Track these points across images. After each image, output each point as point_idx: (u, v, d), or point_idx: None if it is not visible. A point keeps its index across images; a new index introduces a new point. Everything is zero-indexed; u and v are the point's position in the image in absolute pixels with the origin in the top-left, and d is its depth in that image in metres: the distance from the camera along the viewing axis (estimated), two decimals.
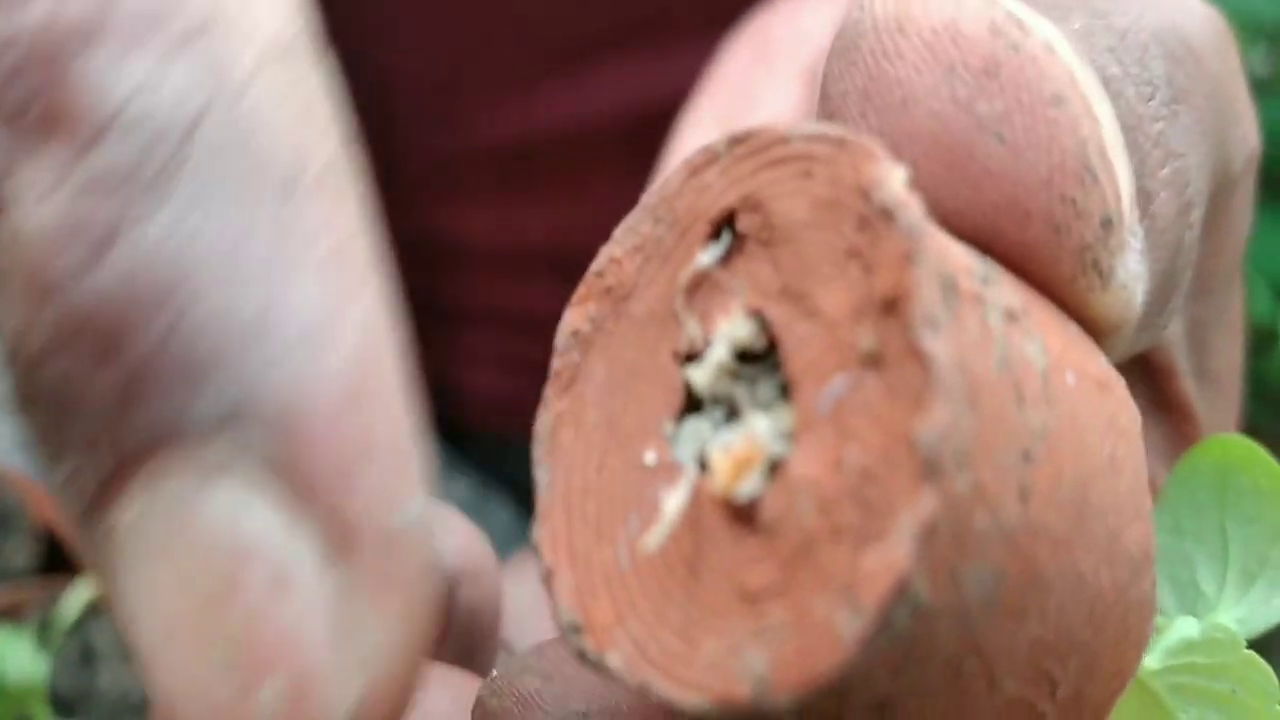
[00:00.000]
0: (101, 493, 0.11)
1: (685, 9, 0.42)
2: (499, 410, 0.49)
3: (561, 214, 0.44)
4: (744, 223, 0.13)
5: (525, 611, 0.22)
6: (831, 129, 0.13)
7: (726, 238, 0.13)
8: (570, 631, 0.13)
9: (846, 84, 0.14)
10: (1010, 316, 0.13)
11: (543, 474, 0.14)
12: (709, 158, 0.13)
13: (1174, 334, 0.19)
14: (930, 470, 0.11)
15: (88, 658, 0.46)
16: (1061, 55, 0.13)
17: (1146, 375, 0.20)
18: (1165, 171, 0.15)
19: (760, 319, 0.13)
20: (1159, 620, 0.16)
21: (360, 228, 0.12)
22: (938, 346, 0.11)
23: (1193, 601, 0.18)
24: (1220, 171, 0.18)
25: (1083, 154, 0.13)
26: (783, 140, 0.13)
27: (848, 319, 0.12)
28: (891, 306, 0.12)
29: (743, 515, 0.12)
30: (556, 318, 0.14)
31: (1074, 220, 0.13)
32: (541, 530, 0.13)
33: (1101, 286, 0.14)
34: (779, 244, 0.13)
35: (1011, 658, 0.13)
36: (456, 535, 0.20)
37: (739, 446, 0.12)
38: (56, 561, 0.49)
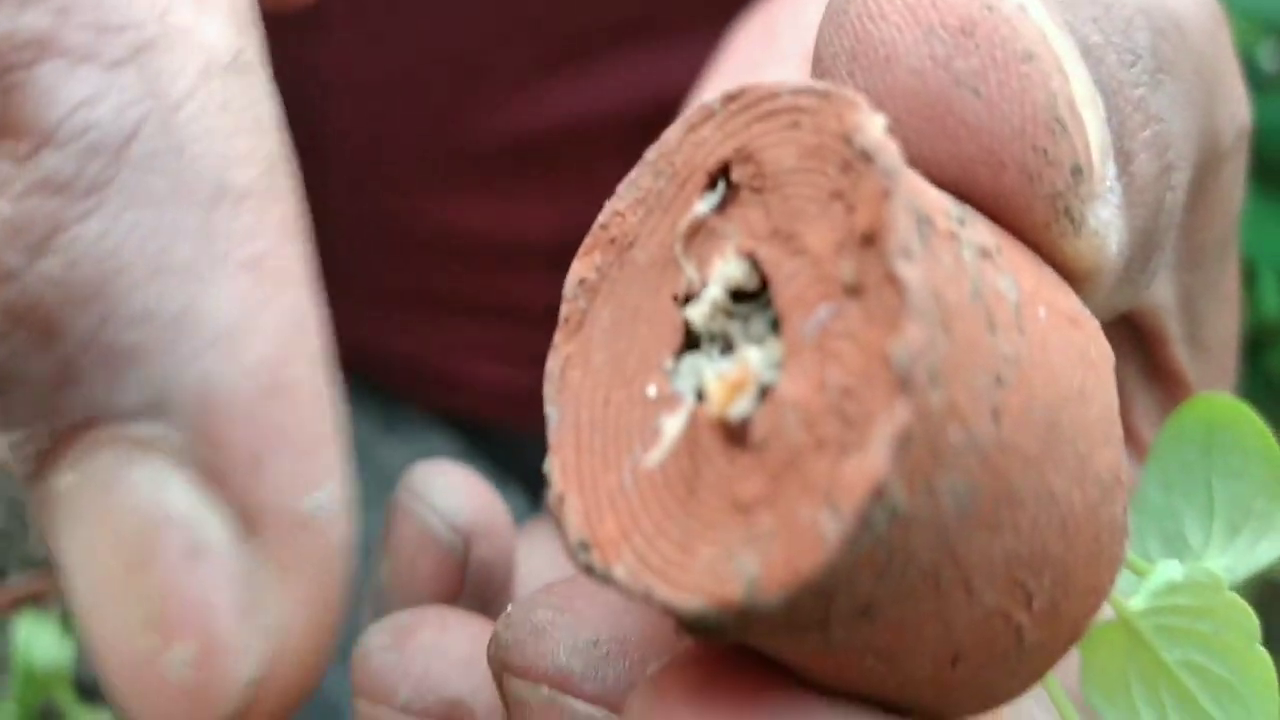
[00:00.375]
0: (41, 461, 0.13)
1: (691, 4, 0.43)
2: (510, 403, 0.49)
3: (569, 208, 0.45)
4: (738, 173, 0.14)
5: (537, 574, 0.23)
6: (818, 83, 0.13)
7: (722, 187, 0.14)
8: (579, 549, 0.14)
9: (836, 46, 0.15)
10: (984, 254, 0.13)
11: (553, 411, 0.14)
12: (705, 114, 0.14)
13: (1165, 302, 0.20)
14: (904, 384, 0.12)
15: None
16: (1033, 15, 0.14)
17: (1140, 341, 0.21)
18: (1146, 134, 0.16)
19: (752, 259, 0.14)
20: (1145, 564, 0.17)
21: (287, 235, 0.13)
22: (911, 273, 0.12)
23: (1180, 552, 0.19)
24: (1208, 144, 0.19)
25: (1053, 106, 0.14)
26: (773, 95, 0.14)
27: (831, 254, 0.13)
28: (870, 239, 0.13)
29: (736, 435, 0.13)
30: None
31: (1045, 168, 0.14)
32: (553, 461, 0.14)
33: (1074, 232, 0.15)
34: (770, 190, 0.14)
35: (987, 568, 0.13)
36: (471, 494, 0.21)
37: (732, 373, 0.13)
38: None
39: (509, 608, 0.16)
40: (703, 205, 0.14)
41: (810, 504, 0.12)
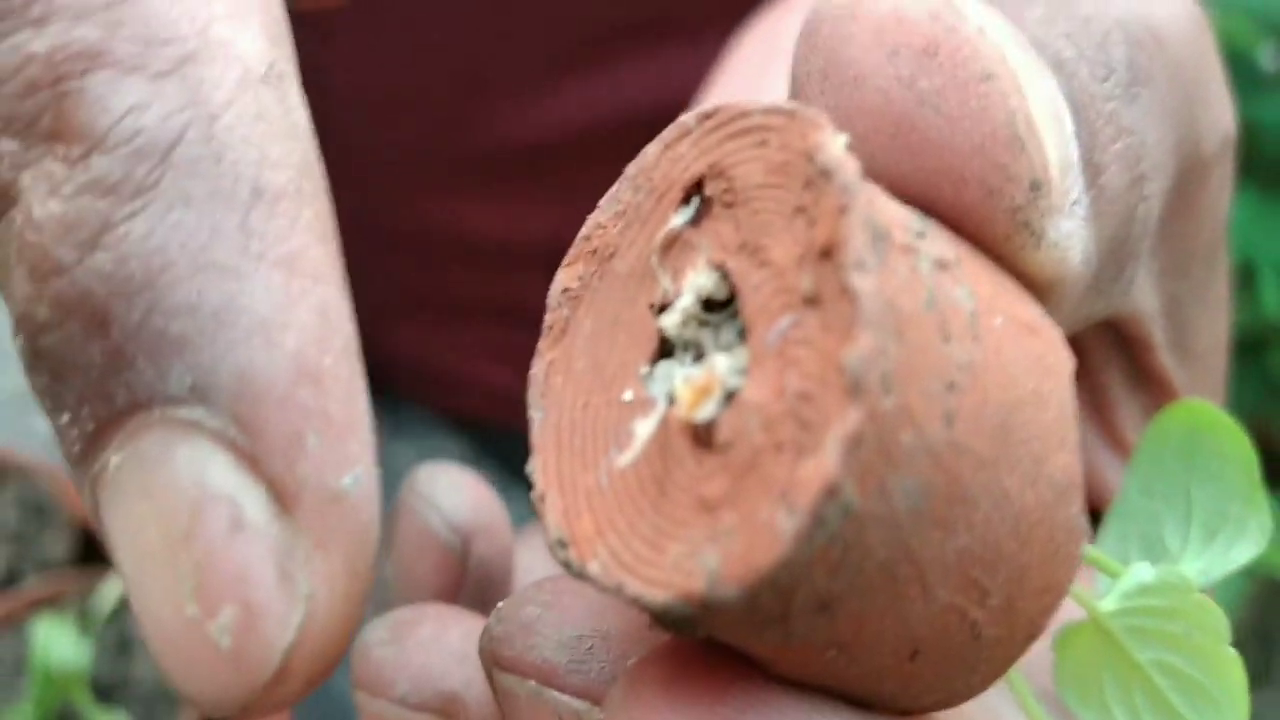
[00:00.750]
0: (90, 443, 0.13)
1: (695, 10, 0.43)
2: (515, 405, 0.50)
3: (574, 212, 0.45)
4: (711, 188, 0.15)
5: (535, 572, 0.23)
6: (785, 103, 0.14)
7: (696, 201, 0.15)
8: (558, 546, 0.14)
9: (809, 65, 0.15)
10: (941, 265, 0.14)
11: (536, 414, 0.15)
12: (681, 132, 0.15)
13: (1149, 308, 0.20)
14: (855, 390, 0.13)
15: (124, 647, 0.47)
16: (993, 37, 0.15)
17: (1124, 348, 0.21)
18: (1117, 146, 0.16)
19: (722, 271, 0.14)
20: (1117, 565, 0.17)
21: (318, 234, 0.14)
22: (864, 285, 0.13)
23: (1159, 556, 0.19)
24: (1189, 153, 0.19)
25: (1011, 124, 0.15)
26: (744, 114, 0.14)
27: (793, 266, 0.14)
28: (828, 253, 0.13)
29: (702, 438, 0.14)
30: None
31: (1004, 183, 0.15)
32: (534, 462, 0.15)
33: (1034, 245, 0.15)
34: (740, 205, 0.14)
35: (942, 565, 0.14)
36: (470, 493, 0.22)
37: (699, 378, 0.14)
38: (92, 553, 0.50)
39: (500, 604, 0.17)
40: (678, 219, 0.15)
41: (768, 503, 0.13)
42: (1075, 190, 0.15)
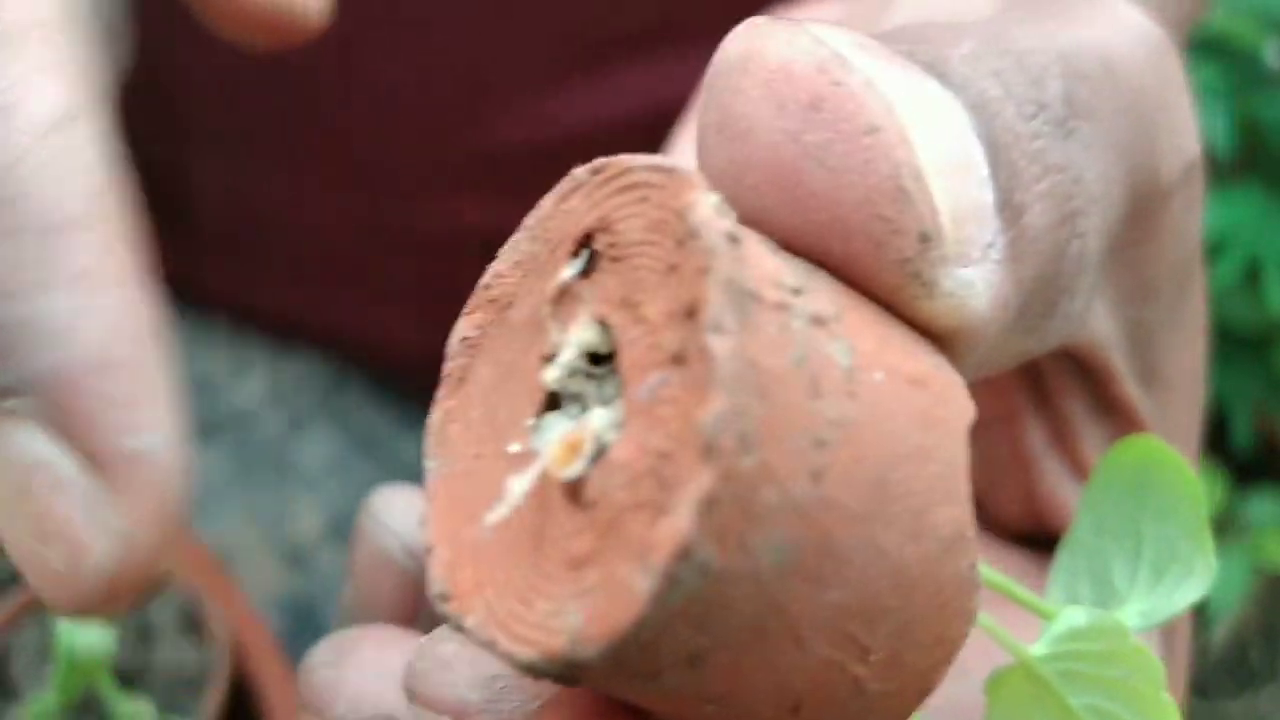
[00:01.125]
0: None
1: (699, 15, 0.43)
2: None
3: None
4: (600, 241, 0.15)
5: None
6: (665, 161, 0.14)
7: (585, 255, 0.15)
8: (440, 600, 0.15)
9: (707, 117, 0.15)
10: (817, 321, 0.14)
11: (430, 464, 0.15)
12: (575, 185, 0.15)
13: (1108, 338, 0.20)
14: (709, 451, 0.13)
15: (145, 635, 0.48)
16: (881, 89, 0.15)
17: (1085, 378, 0.21)
18: (1042, 185, 0.16)
19: (605, 324, 0.14)
20: (1050, 609, 0.17)
21: (110, 249, 0.17)
22: (720, 346, 0.13)
23: (1107, 597, 0.19)
24: (1145, 180, 0.19)
25: (896, 176, 0.14)
26: (629, 170, 0.14)
27: (664, 324, 0.14)
28: (691, 313, 0.13)
29: (574, 494, 0.14)
30: None
31: (891, 235, 0.15)
32: (426, 513, 0.15)
33: (926, 295, 0.15)
34: (623, 259, 0.14)
35: (814, 620, 0.14)
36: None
37: (571, 434, 0.14)
38: None
39: (423, 639, 0.17)
40: (568, 271, 0.15)
41: (628, 562, 0.13)
42: (987, 234, 0.15)
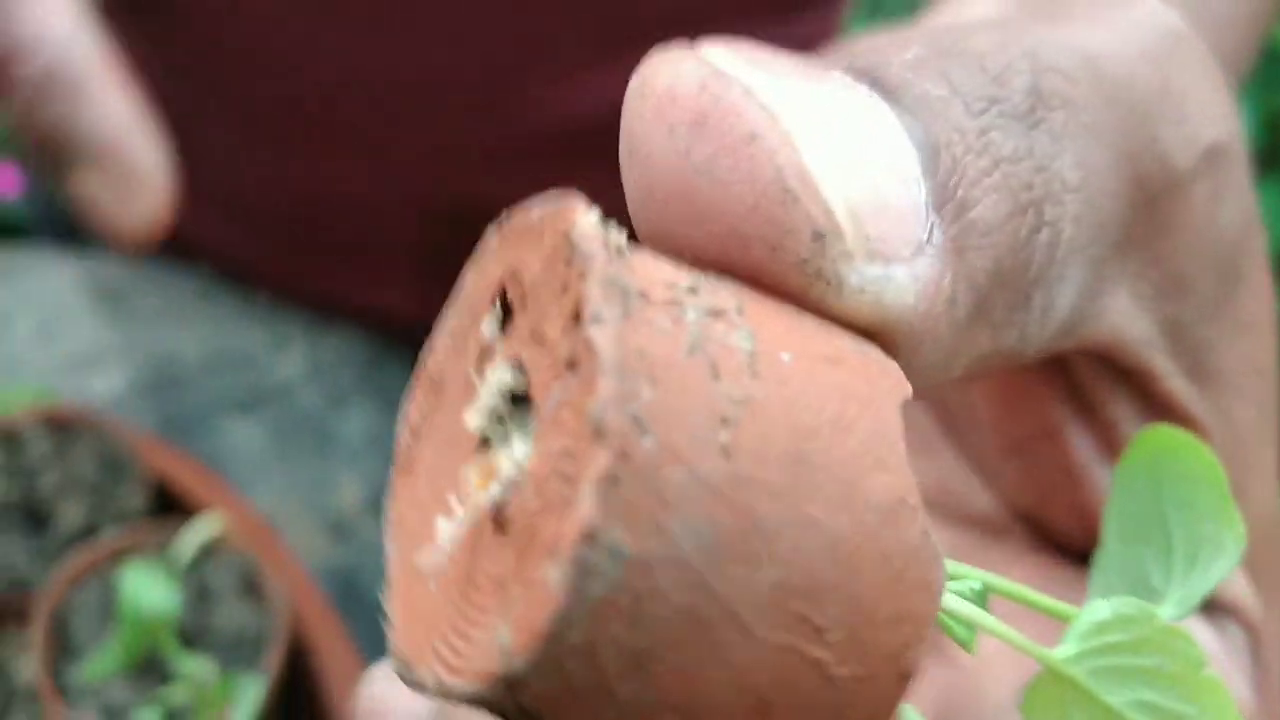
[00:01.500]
0: None
1: (734, 1, 0.44)
2: None
3: (610, 197, 0.47)
4: (511, 292, 0.15)
5: None
6: (554, 198, 0.15)
7: (498, 309, 0.15)
8: (402, 670, 0.14)
9: (621, 145, 0.16)
10: (715, 314, 0.14)
11: (391, 549, 0.16)
12: (485, 247, 0.16)
13: (1140, 336, 0.20)
14: (599, 433, 0.13)
15: (204, 596, 0.49)
16: (762, 96, 0.15)
17: (1128, 382, 0.21)
18: (993, 178, 0.16)
19: (519, 364, 0.15)
20: (1068, 610, 0.17)
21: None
22: (600, 335, 0.13)
23: (1149, 598, 0.18)
24: (1148, 170, 0.19)
25: (781, 179, 0.15)
26: (526, 214, 0.15)
27: (559, 338, 0.14)
28: (576, 316, 0.14)
29: (499, 524, 0.14)
30: None
31: (784, 238, 0.15)
32: (388, 596, 0.15)
33: (835, 293, 0.15)
34: (530, 299, 0.15)
35: (754, 603, 0.13)
36: (424, 701, 0.21)
37: (484, 463, 0.14)
38: (168, 506, 0.53)
39: (371, 668, 0.17)
40: (486, 329, 0.15)
41: (542, 564, 0.13)
42: (917, 230, 0.16)
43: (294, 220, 0.61)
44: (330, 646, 0.50)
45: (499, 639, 0.13)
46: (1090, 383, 0.21)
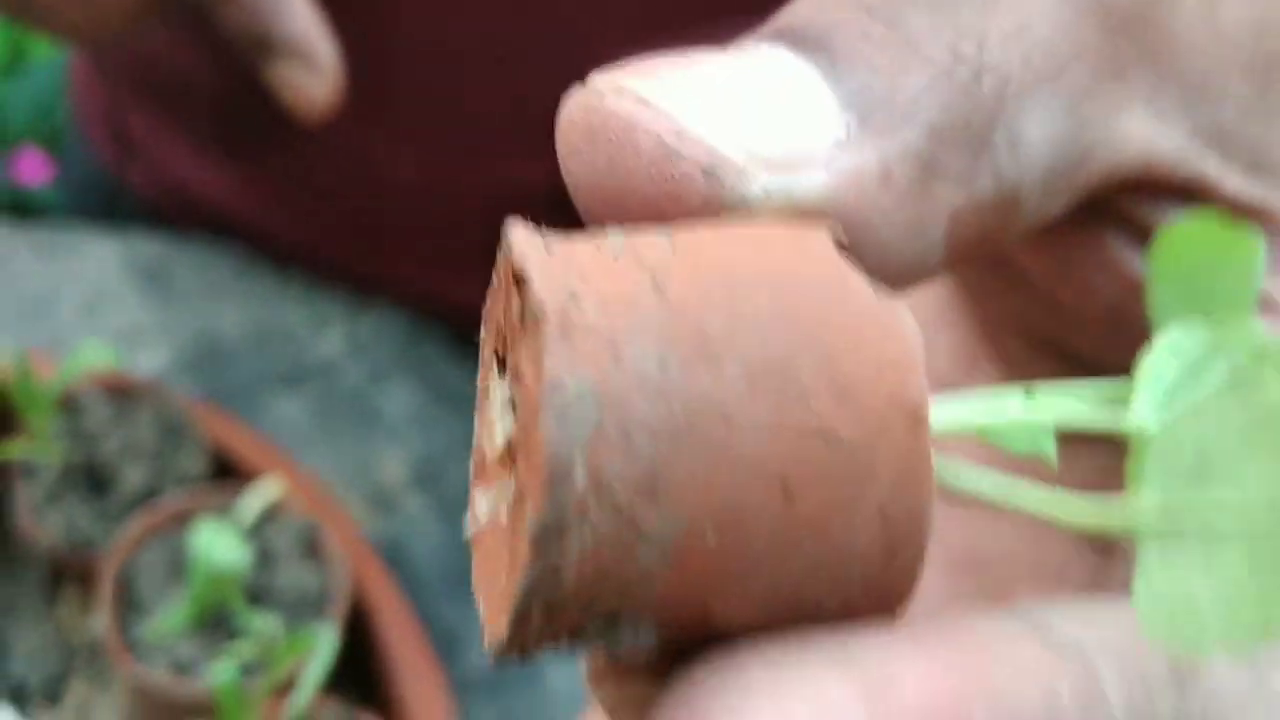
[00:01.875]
0: None
1: None
2: None
3: None
4: (503, 350, 0.16)
5: None
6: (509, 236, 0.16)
7: (501, 373, 0.16)
8: (496, 649, 0.15)
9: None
10: (635, 233, 0.16)
11: (468, 537, 0.17)
12: (483, 319, 0.17)
13: (1178, 147, 0.20)
14: (539, 317, 0.14)
15: (267, 558, 0.50)
16: (634, 94, 0.17)
17: (1186, 199, 0.20)
18: (902, 54, 0.18)
19: (513, 404, 0.16)
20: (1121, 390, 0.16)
21: None
22: (527, 265, 0.14)
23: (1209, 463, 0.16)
24: None
25: (661, 144, 0.17)
26: (498, 268, 0.16)
27: (516, 322, 0.15)
28: (518, 280, 0.15)
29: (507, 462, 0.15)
30: None
31: (682, 185, 0.17)
32: (476, 589, 0.16)
33: (747, 209, 0.17)
34: (512, 342, 0.16)
35: (731, 396, 0.14)
36: None
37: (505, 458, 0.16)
38: (225, 470, 0.54)
39: None
40: (497, 391, 0.16)
41: (531, 437, 0.14)
42: (825, 136, 0.17)
43: (333, 198, 0.62)
44: (389, 606, 0.51)
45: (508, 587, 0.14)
46: (1145, 214, 0.20)
